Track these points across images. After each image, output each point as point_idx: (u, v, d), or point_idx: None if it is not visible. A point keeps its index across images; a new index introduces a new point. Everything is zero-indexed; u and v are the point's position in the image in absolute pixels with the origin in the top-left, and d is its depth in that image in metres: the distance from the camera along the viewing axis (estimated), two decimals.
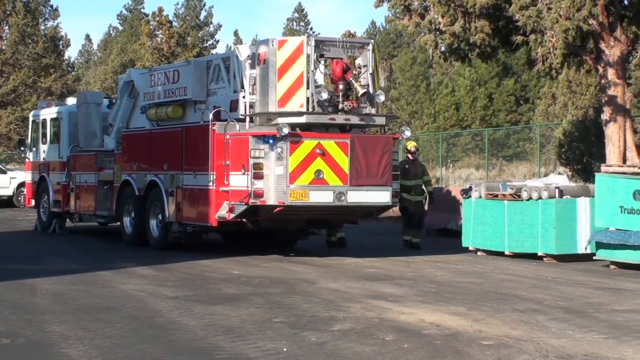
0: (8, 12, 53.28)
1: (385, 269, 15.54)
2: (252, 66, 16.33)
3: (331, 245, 19.18)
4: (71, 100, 23.93)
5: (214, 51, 62.83)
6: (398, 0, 22.08)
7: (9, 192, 34.63)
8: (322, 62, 16.50)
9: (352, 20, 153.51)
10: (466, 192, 18.79)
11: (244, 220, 16.53)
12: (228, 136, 16.33)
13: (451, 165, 44.10)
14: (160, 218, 18.23)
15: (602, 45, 21.12)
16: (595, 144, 25.82)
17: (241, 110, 16.54)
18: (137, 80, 19.98)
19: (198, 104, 17.91)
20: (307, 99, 15.80)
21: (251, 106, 16.38)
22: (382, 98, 16.74)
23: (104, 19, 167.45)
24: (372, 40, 17.25)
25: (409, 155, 19.75)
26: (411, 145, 20.01)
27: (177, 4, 77.66)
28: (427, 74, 64.50)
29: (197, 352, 8.49)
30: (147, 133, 19.37)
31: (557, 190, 17.06)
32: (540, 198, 17.02)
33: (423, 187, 19.72)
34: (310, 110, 15.84)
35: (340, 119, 16.13)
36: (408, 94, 62.46)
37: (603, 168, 16.91)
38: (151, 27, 55.14)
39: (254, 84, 16.28)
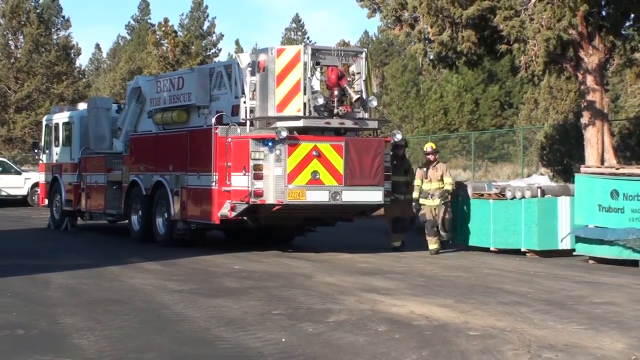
0: (22, 22, 53.15)
1: (377, 263, 15.53)
2: (253, 73, 16.32)
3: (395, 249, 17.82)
4: (82, 106, 23.90)
5: (216, 59, 62.74)
6: (389, 12, 22.05)
7: (23, 191, 34.55)
8: (318, 69, 16.49)
9: (346, 30, 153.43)
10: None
11: (245, 218, 16.52)
12: (230, 139, 16.31)
13: None
14: (166, 216, 18.21)
15: (582, 54, 21.12)
16: (575, 146, 25.82)
17: (242, 115, 16.53)
18: (144, 86, 19.96)
19: (201, 108, 17.91)
20: (304, 104, 15.79)
21: (251, 111, 16.37)
22: (374, 103, 16.73)
23: (113, 29, 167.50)
24: (365, 49, 17.25)
25: (428, 157, 17.74)
26: (427, 146, 17.97)
27: (182, 14, 77.60)
28: (417, 81, 64.51)
29: (201, 342, 8.49)
30: (154, 136, 19.35)
31: (539, 189, 17.06)
32: (523, 197, 17.02)
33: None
34: (307, 114, 15.83)
35: (335, 123, 16.13)
36: (399, 100, 62.46)
37: (582, 169, 16.91)
38: (157, 37, 55.06)
39: (254, 90, 16.27)
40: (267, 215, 16.37)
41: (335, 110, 16.09)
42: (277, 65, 15.83)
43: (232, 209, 16.16)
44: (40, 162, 25.57)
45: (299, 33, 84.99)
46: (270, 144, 15.68)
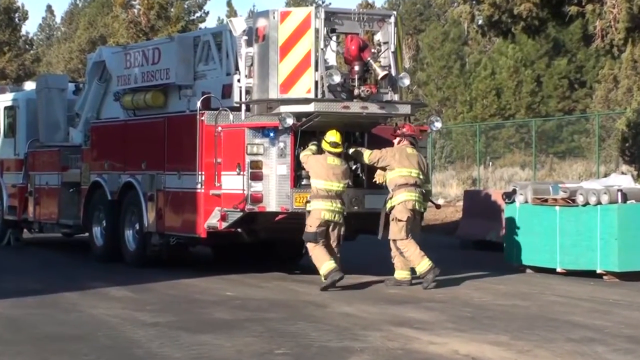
0: None
1: (410, 289, 15.54)
2: (249, 43, 16.35)
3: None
4: (29, 85, 23.99)
5: (202, 25, 62.92)
6: None
7: None
8: (334, 38, 16.50)
9: None
10: (509, 196, 18.76)
11: (239, 230, 16.54)
12: (220, 128, 16.36)
13: (491, 163, 44.13)
14: (138, 228, 18.27)
15: None
16: None
17: (236, 97, 16.59)
18: (109, 60, 20.02)
19: (183, 89, 17.96)
20: (316, 82, 15.80)
21: (248, 92, 16.41)
22: (406, 82, 16.72)
23: None
24: (395, 12, 17.24)
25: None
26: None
27: None
28: (462, 53, 64.56)
29: None
30: (122, 125, 19.43)
31: (619, 193, 17.04)
32: (599, 203, 17.00)
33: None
34: (320, 96, 15.83)
35: (355, 106, 16.11)
36: (438, 77, 62.55)
37: None
38: None
39: (251, 64, 16.29)
40: (268, 227, 16.41)
41: (356, 91, 16.08)
42: (280, 32, 15.86)
43: (223, 218, 16.19)
44: None
45: None
46: (272, 134, 15.72)
